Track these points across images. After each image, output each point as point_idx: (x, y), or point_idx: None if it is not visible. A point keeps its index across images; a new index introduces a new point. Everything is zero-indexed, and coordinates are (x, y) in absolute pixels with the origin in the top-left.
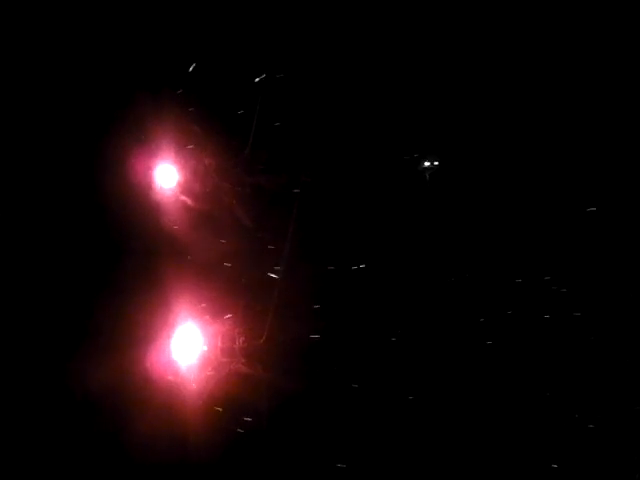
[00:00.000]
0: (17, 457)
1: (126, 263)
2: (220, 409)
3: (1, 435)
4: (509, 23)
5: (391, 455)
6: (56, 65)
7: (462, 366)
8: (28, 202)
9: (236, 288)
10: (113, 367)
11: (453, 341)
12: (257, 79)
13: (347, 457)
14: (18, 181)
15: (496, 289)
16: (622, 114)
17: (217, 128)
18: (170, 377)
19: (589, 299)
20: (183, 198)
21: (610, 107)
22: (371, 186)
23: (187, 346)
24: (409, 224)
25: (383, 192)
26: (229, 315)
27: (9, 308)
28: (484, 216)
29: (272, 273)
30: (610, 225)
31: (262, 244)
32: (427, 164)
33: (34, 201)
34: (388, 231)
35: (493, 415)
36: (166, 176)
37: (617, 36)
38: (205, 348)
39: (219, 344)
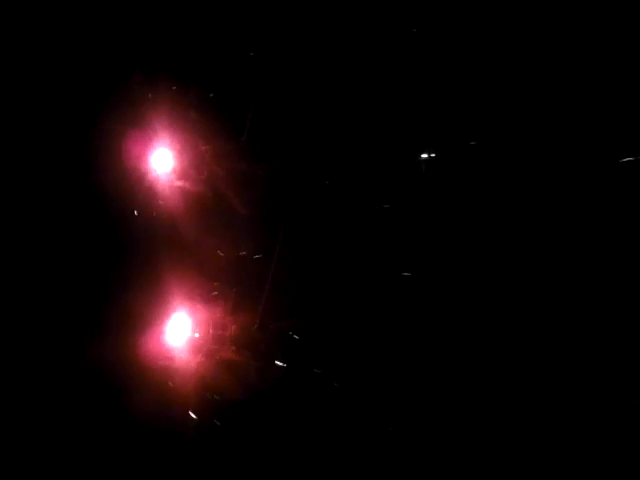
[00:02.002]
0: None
1: (119, 251)
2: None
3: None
4: (505, 14)
5: (380, 443)
6: (50, 50)
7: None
8: (22, 193)
9: (229, 276)
10: (108, 354)
11: (444, 331)
12: (254, 66)
13: (335, 445)
14: (12, 171)
15: (493, 283)
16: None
17: (214, 114)
18: (162, 363)
19: (587, 293)
20: (178, 184)
21: (602, 93)
22: (367, 177)
23: (179, 333)
24: (405, 215)
25: (379, 183)
26: (221, 303)
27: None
28: (481, 208)
29: (265, 262)
30: (608, 220)
31: (256, 232)
32: (424, 156)
33: (28, 192)
34: (384, 222)
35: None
36: (161, 162)
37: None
38: (197, 335)
39: (211, 331)
